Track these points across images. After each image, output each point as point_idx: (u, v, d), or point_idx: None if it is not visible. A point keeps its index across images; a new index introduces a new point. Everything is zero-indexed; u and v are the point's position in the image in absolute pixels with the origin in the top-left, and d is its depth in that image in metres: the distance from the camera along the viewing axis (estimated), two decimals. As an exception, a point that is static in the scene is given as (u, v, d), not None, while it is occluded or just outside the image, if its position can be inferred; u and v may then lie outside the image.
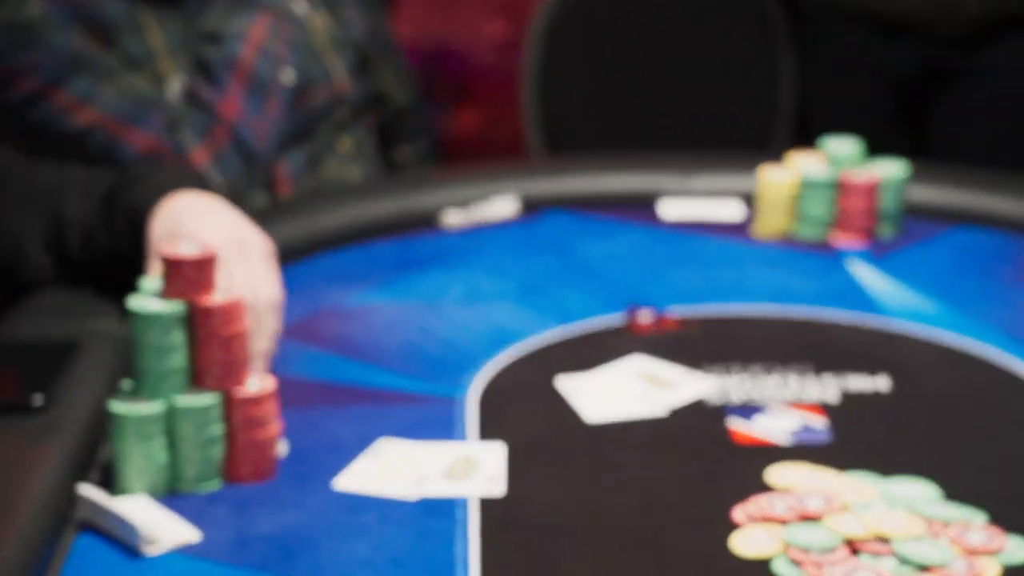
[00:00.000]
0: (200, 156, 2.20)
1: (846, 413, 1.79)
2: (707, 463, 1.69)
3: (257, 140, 2.25)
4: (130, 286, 1.68)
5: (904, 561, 1.48)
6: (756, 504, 1.57)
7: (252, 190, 2.24)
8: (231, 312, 1.62)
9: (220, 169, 2.20)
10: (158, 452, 1.58)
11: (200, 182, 1.88)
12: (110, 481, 1.59)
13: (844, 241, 2.30)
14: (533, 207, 2.43)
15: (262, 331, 1.77)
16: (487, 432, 1.74)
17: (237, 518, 1.57)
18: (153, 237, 1.81)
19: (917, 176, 2.37)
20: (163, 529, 1.52)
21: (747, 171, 2.42)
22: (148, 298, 1.60)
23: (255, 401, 1.62)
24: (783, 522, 1.54)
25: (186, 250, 1.61)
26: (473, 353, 1.93)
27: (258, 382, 1.63)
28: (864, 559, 1.49)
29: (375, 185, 2.50)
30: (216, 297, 1.61)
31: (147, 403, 1.57)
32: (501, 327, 2.01)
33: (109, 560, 1.49)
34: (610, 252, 2.28)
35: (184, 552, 1.50)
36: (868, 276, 2.18)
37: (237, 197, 2.18)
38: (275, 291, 1.81)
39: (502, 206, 2.39)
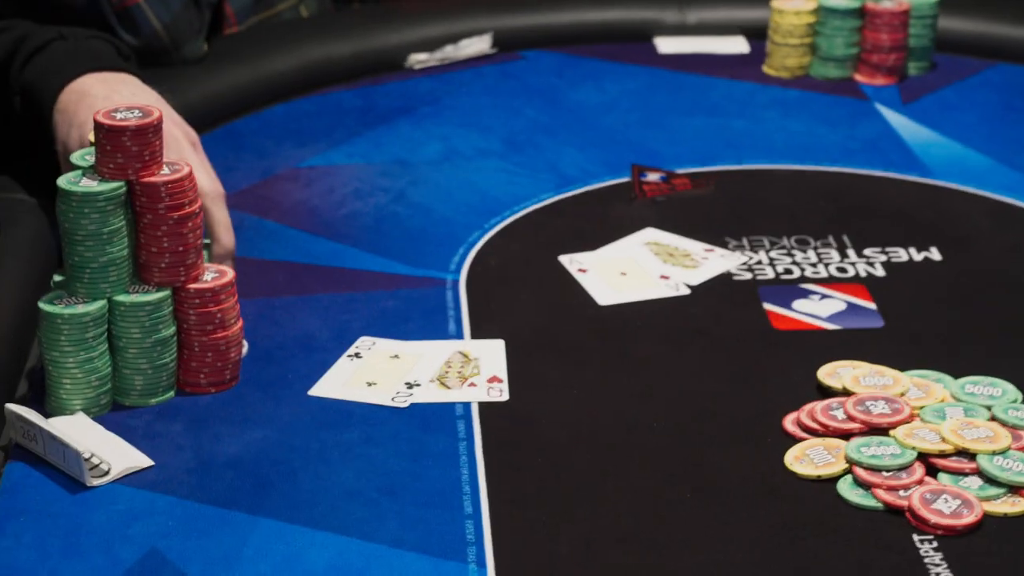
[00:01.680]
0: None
1: (896, 291, 1.58)
2: (745, 356, 1.47)
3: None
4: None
5: (991, 480, 1.26)
6: (810, 411, 1.34)
7: (196, 36, 1.97)
8: (182, 188, 1.39)
9: (161, 8, 1.93)
10: (99, 360, 1.39)
11: (108, 59, 1.70)
12: (42, 397, 1.40)
13: (868, 80, 2.08)
14: (511, 46, 2.20)
15: (217, 225, 1.55)
16: (482, 323, 1.52)
17: (196, 438, 1.36)
18: (58, 131, 1.63)
19: (950, 5, 2.15)
20: (109, 455, 1.32)
21: (754, 1, 2.19)
22: (80, 176, 1.38)
23: (211, 295, 1.41)
24: (845, 434, 1.31)
25: (124, 116, 1.36)
26: (458, 225, 1.72)
27: (213, 272, 1.43)
28: (944, 479, 1.26)
29: (331, 22, 2.23)
30: (163, 171, 1.39)
31: (83, 302, 1.38)
32: (487, 192, 1.79)
33: (44, 494, 1.29)
34: (605, 99, 2.07)
35: (135, 483, 1.30)
36: (901, 123, 1.96)
37: (178, 43, 1.96)
38: (215, 181, 1.60)
39: (476, 45, 2.15)
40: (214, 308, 1.40)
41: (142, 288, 1.39)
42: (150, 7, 1.93)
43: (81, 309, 1.36)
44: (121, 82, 1.66)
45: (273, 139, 1.93)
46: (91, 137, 1.41)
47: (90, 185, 1.36)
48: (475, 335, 1.49)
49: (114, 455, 1.32)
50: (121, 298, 1.38)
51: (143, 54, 1.93)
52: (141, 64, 1.90)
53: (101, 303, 1.37)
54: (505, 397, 1.39)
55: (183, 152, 1.58)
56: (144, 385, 1.40)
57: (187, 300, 1.40)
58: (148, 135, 1.36)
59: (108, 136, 1.36)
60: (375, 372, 1.43)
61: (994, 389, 1.38)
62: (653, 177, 1.80)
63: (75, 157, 1.40)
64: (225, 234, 1.57)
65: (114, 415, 1.38)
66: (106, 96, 1.63)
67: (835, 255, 1.64)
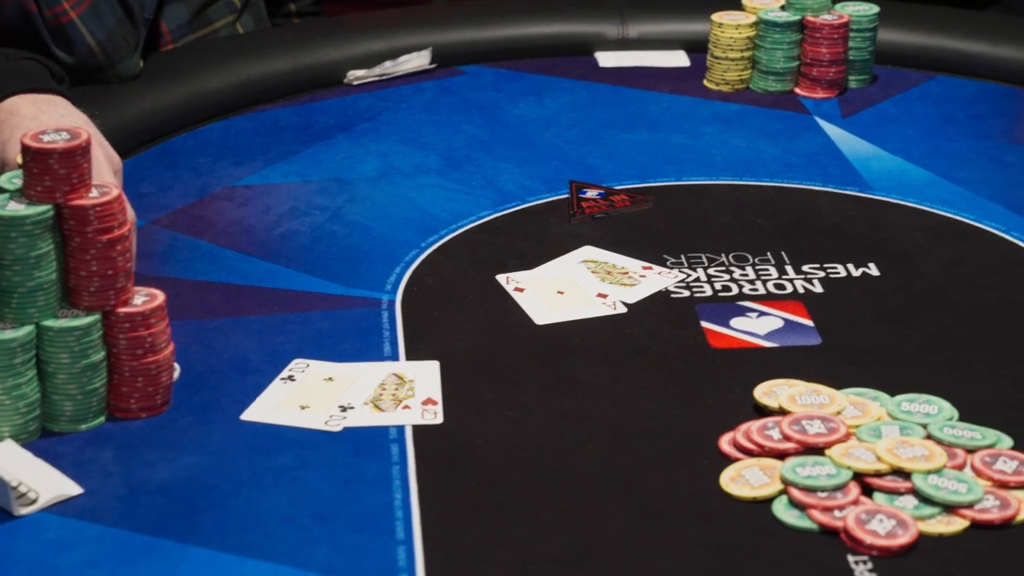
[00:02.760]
0: (72, 10, 1.90)
1: (834, 307, 1.57)
2: (682, 375, 1.46)
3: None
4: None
5: (926, 500, 1.25)
6: (746, 431, 1.33)
7: (131, 53, 1.95)
8: (110, 211, 1.37)
9: (95, 26, 1.91)
10: (27, 386, 1.36)
11: (38, 80, 1.68)
12: (-32, 424, 1.36)
13: (809, 94, 2.08)
14: (451, 61, 2.19)
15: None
16: (417, 343, 1.50)
17: (127, 464, 1.34)
18: None
19: (889, 17, 2.14)
20: (37, 483, 1.30)
21: (695, 14, 2.17)
22: (7, 199, 1.36)
23: (142, 319, 1.39)
24: (781, 454, 1.30)
25: (52, 139, 1.34)
26: (395, 244, 1.70)
27: (144, 295, 1.40)
28: (879, 499, 1.25)
29: (268, 38, 2.21)
30: (91, 194, 1.37)
31: (11, 327, 1.35)
32: (425, 210, 1.77)
33: (-31, 524, 1.26)
34: (545, 114, 2.05)
35: (64, 511, 1.28)
36: (841, 136, 1.95)
37: (113, 61, 1.94)
38: (129, 209, 1.57)
39: (415, 60, 2.14)
40: (144, 332, 1.38)
41: (71, 312, 1.36)
42: (84, 24, 1.90)
43: (9, 335, 1.34)
44: (50, 103, 1.64)
45: (210, 157, 1.91)
46: (19, 159, 1.39)
47: (17, 209, 1.33)
48: (410, 356, 1.47)
49: (43, 483, 1.29)
50: (50, 323, 1.35)
51: (78, 71, 1.90)
52: (76, 82, 1.88)
53: (29, 328, 1.35)
54: (440, 420, 1.38)
55: (104, 176, 1.56)
56: (74, 411, 1.37)
57: (117, 324, 1.37)
58: (76, 158, 1.34)
59: (35, 159, 1.34)
60: (309, 395, 1.41)
61: (930, 407, 1.37)
62: (591, 194, 1.78)
63: (2, 180, 1.37)
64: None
65: (43, 442, 1.35)
66: (33, 116, 1.61)
67: (773, 271, 1.63)
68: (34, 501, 1.27)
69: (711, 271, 1.63)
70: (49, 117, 1.63)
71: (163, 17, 2.11)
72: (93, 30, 1.92)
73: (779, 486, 1.27)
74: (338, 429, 1.37)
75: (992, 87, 2.13)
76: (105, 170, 1.57)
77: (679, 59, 2.20)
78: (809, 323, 1.53)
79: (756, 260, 1.65)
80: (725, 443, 1.34)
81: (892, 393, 1.39)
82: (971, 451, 1.31)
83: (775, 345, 1.49)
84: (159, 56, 2.07)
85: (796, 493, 1.26)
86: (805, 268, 1.63)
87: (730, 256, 1.66)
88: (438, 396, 1.41)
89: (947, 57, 2.16)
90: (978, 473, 1.29)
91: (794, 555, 1.21)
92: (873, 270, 1.63)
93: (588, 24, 2.24)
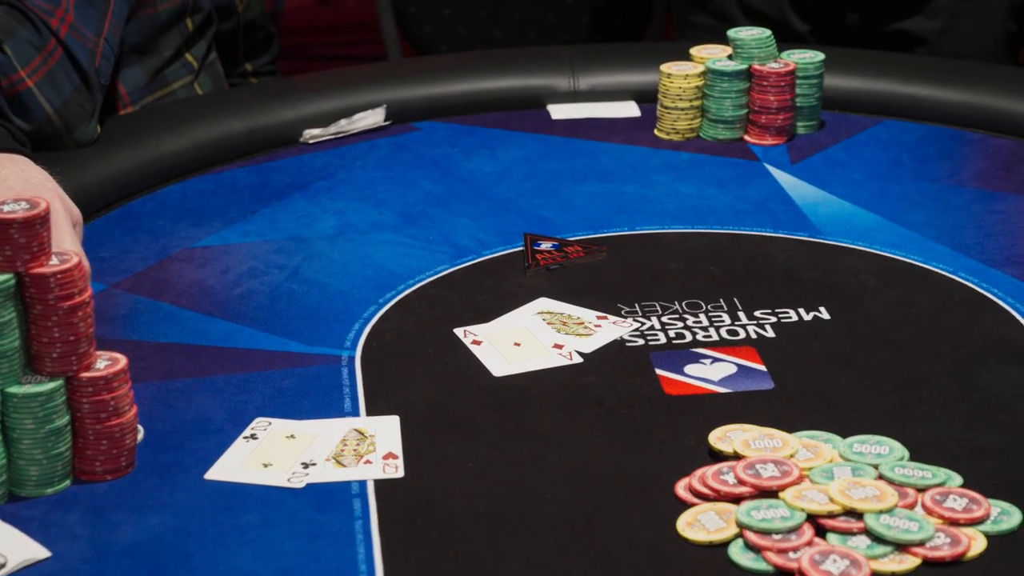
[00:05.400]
0: (29, 78, 1.91)
1: (786, 351, 1.59)
2: (638, 423, 1.48)
3: (92, 57, 1.96)
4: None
5: (878, 539, 1.27)
6: (701, 476, 1.35)
7: (88, 120, 1.96)
8: (70, 279, 1.38)
9: (52, 94, 1.92)
10: None
11: None
12: (-65, 491, 1.37)
13: (758, 141, 2.10)
14: (405, 118, 2.21)
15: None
16: (378, 397, 1.52)
17: (93, 526, 1.35)
18: None
19: (835, 64, 2.17)
20: (5, 548, 1.31)
21: (644, 66, 2.20)
22: None
23: (104, 383, 1.40)
24: (736, 498, 1.32)
25: (11, 208, 1.35)
26: (353, 300, 1.71)
27: (106, 359, 1.40)
28: (833, 540, 1.28)
29: (224, 99, 2.22)
30: (51, 262, 1.38)
31: None
32: (382, 267, 1.78)
33: (-61, 590, 1.27)
34: (498, 168, 2.07)
35: (32, 575, 1.28)
36: (790, 182, 1.98)
37: (70, 128, 1.95)
38: (86, 264, 1.59)
39: (370, 118, 2.16)
40: (107, 396, 1.39)
41: (34, 378, 1.37)
42: (41, 92, 1.91)
43: (-27, 402, 1.34)
44: (11, 161, 1.66)
45: (168, 219, 1.92)
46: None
47: (-24, 279, 1.35)
48: (371, 411, 1.49)
49: (10, 547, 1.30)
50: (14, 390, 1.36)
51: (35, 139, 1.91)
52: (34, 148, 1.89)
53: (-8, 395, 1.35)
54: (401, 473, 1.39)
55: (63, 232, 1.57)
56: (39, 475, 1.38)
57: (80, 388, 1.38)
58: (36, 227, 1.35)
59: (-5, 229, 1.35)
60: (271, 453, 1.43)
61: (881, 448, 1.39)
62: (546, 246, 1.80)
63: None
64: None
65: (10, 506, 1.36)
66: None
67: (726, 318, 1.65)
68: (3, 565, 1.28)
69: (665, 319, 1.65)
70: (10, 173, 1.64)
71: (120, 80, 2.13)
72: (50, 98, 1.93)
73: (735, 530, 1.29)
74: (301, 486, 1.38)
75: (938, 130, 2.16)
76: (65, 225, 1.58)
77: (630, 110, 2.23)
78: (762, 368, 1.55)
79: (709, 307, 1.68)
80: (681, 488, 1.36)
81: (844, 435, 1.41)
82: (921, 490, 1.34)
83: (729, 391, 1.52)
84: (116, 120, 2.08)
85: (751, 536, 1.28)
86: (757, 313, 1.66)
87: (683, 304, 1.68)
88: (399, 450, 1.43)
89: (893, 101, 2.19)
90: (928, 511, 1.31)
91: (750, 597, 1.23)
92: (824, 314, 1.66)
93: (539, 78, 2.26)
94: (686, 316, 1.66)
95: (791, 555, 1.26)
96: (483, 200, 1.96)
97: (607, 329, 1.63)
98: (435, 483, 1.38)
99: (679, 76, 2.11)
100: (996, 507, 1.32)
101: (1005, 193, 1.96)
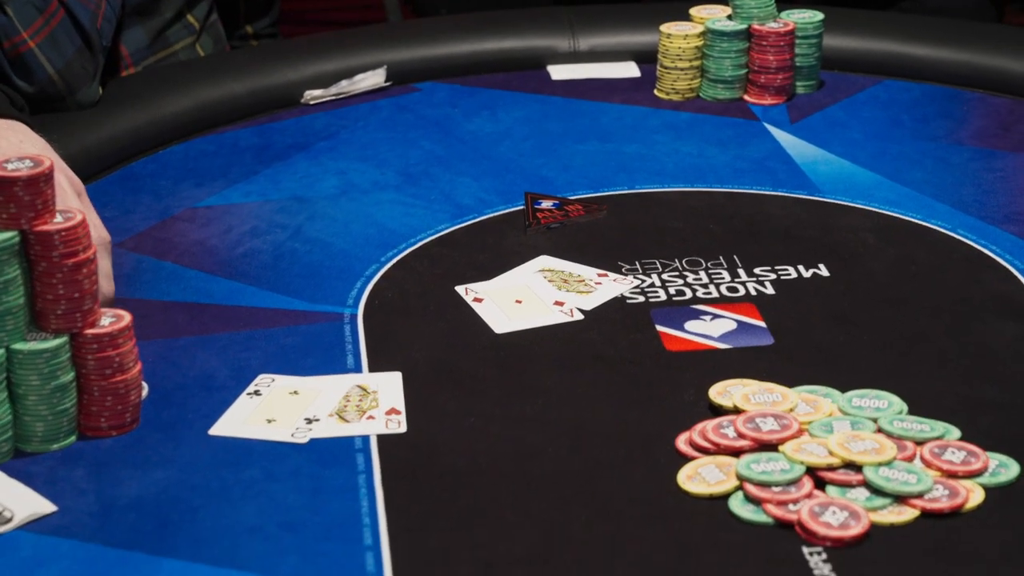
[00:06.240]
0: (31, 40, 1.92)
1: (785, 308, 1.60)
2: (639, 379, 1.48)
3: (94, 19, 1.97)
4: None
5: (877, 491, 1.28)
6: (702, 430, 1.36)
7: (90, 81, 1.97)
8: (75, 236, 1.39)
9: (55, 55, 1.92)
10: None
11: None
12: (-59, 447, 1.39)
13: (757, 100, 2.11)
14: (406, 79, 2.21)
15: (99, 274, 1.55)
16: (380, 354, 1.53)
17: (99, 482, 1.35)
18: None
19: (834, 24, 2.17)
20: (11, 502, 1.32)
21: (644, 26, 2.20)
22: None
23: (109, 339, 1.40)
24: (736, 451, 1.33)
25: (15, 167, 1.36)
26: (355, 259, 1.72)
27: (110, 316, 1.41)
28: (832, 492, 1.29)
29: (226, 60, 2.23)
30: (56, 220, 1.39)
31: None
32: (384, 225, 1.79)
33: (-53, 544, 1.28)
34: (499, 128, 2.07)
35: (39, 529, 1.29)
36: (789, 141, 1.98)
37: (72, 89, 1.96)
38: (100, 228, 1.60)
39: (371, 78, 2.17)
40: (112, 352, 1.40)
41: (39, 335, 1.39)
42: (43, 53, 1.92)
43: (-22, 359, 1.35)
44: (9, 129, 1.66)
45: (170, 180, 1.93)
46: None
47: (-19, 236, 1.36)
48: (373, 368, 1.50)
49: (16, 502, 1.31)
50: (19, 346, 1.37)
51: (37, 100, 1.92)
52: (35, 110, 1.90)
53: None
54: (403, 429, 1.40)
55: (68, 201, 1.58)
56: (45, 431, 1.39)
57: (85, 345, 1.39)
58: (40, 184, 1.36)
59: (0, 187, 1.36)
60: (274, 409, 1.44)
61: (880, 402, 1.40)
62: (546, 204, 1.81)
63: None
64: (106, 283, 1.56)
65: (16, 462, 1.37)
66: None
67: (726, 275, 1.66)
68: (9, 520, 1.29)
69: (665, 276, 1.66)
70: (9, 142, 1.64)
71: (122, 41, 2.13)
72: (52, 59, 1.93)
73: (735, 482, 1.30)
74: (304, 441, 1.39)
75: (936, 89, 2.16)
76: (70, 195, 1.59)
77: (629, 70, 2.23)
78: (761, 324, 1.56)
79: (709, 264, 1.68)
80: (682, 443, 1.37)
81: (843, 390, 1.42)
82: (920, 443, 1.35)
83: (729, 346, 1.53)
84: (118, 82, 2.09)
85: (751, 489, 1.29)
86: (757, 271, 1.67)
87: (683, 261, 1.69)
88: (401, 406, 1.44)
89: (892, 61, 2.20)
90: (927, 464, 1.32)
91: (751, 548, 1.24)
92: (823, 271, 1.67)
93: (540, 39, 2.27)
94: (686, 273, 1.66)
95: (791, 507, 1.27)
96: (484, 160, 1.97)
97: (608, 286, 1.64)
98: (437, 439, 1.39)
99: (679, 36, 2.11)
100: (994, 460, 1.33)
101: (1003, 151, 1.97)
